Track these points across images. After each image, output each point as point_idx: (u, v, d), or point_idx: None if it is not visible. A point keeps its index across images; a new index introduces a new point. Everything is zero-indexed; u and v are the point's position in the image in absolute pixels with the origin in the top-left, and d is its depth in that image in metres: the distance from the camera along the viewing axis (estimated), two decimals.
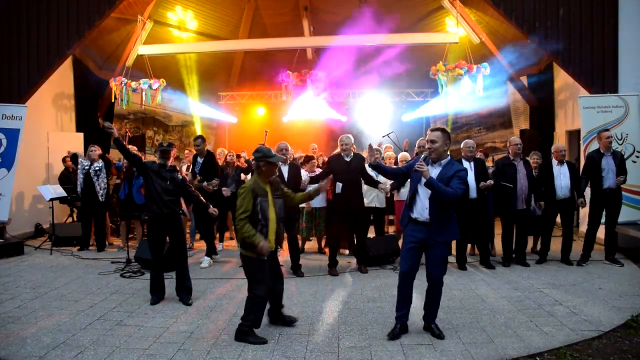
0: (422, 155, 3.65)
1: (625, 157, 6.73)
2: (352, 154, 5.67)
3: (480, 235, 6.03)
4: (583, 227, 6.94)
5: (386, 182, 5.88)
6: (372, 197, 6.39)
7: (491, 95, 10.42)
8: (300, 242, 6.71)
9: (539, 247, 6.43)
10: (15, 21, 7.69)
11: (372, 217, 6.59)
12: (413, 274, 3.73)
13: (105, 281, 5.46)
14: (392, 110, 11.51)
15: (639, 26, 6.97)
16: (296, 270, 5.68)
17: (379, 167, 4.02)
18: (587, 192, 6.18)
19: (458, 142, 12.02)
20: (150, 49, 9.18)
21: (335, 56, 10.23)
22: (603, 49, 7.07)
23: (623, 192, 6.36)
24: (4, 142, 7.28)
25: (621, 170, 5.95)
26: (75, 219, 8.59)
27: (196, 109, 11.55)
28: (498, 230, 6.49)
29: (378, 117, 11.23)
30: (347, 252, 6.70)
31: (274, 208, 3.75)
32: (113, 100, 9.25)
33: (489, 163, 7.60)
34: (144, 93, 9.12)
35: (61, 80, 9.25)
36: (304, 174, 6.39)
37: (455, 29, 8.85)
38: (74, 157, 7.66)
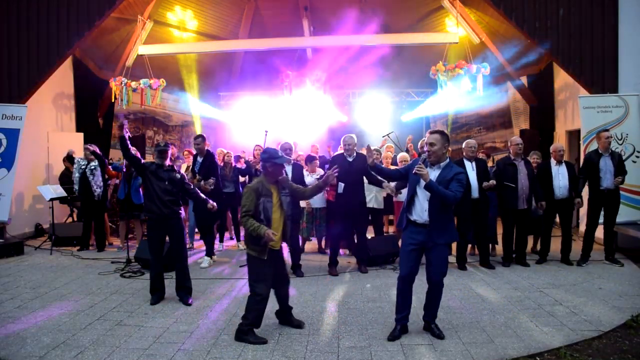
0: (421, 158, 3.65)
1: (625, 157, 6.73)
2: (354, 154, 5.67)
3: (481, 235, 6.03)
4: (583, 227, 6.94)
5: (390, 182, 5.88)
6: (370, 198, 6.38)
7: (491, 95, 10.43)
8: (300, 242, 6.71)
9: (538, 247, 6.43)
10: (16, 21, 7.69)
11: (370, 218, 6.59)
12: (413, 277, 3.73)
13: (105, 281, 5.46)
14: (392, 110, 11.51)
15: (639, 26, 6.97)
16: (296, 270, 5.68)
17: (377, 169, 4.02)
18: (586, 192, 6.19)
19: (458, 142, 12.06)
20: (150, 49, 9.18)
21: (335, 56, 10.25)
22: (603, 49, 7.07)
23: (623, 192, 6.36)
24: (4, 142, 7.29)
25: (619, 171, 5.95)
26: (75, 219, 8.60)
27: (196, 109, 11.56)
28: (499, 230, 6.49)
29: (378, 117, 11.23)
30: (347, 251, 6.71)
31: (280, 208, 3.78)
32: (113, 100, 9.25)
33: (490, 163, 7.59)
34: (144, 93, 9.12)
35: (61, 80, 9.25)
36: (306, 174, 6.40)
37: (455, 29, 8.85)
38: (69, 157, 7.64)
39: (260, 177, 3.81)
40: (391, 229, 7.91)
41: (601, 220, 6.10)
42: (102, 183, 7.20)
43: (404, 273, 3.71)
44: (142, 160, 4.87)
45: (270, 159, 3.75)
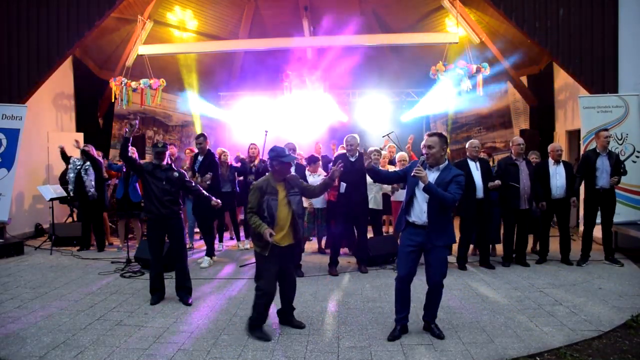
0: (420, 160, 3.65)
1: (625, 157, 6.74)
2: (357, 154, 5.67)
3: (486, 236, 6.03)
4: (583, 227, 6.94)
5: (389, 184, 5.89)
6: (369, 198, 6.37)
7: (491, 95, 10.43)
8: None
9: (538, 247, 6.43)
10: (16, 21, 7.69)
11: (369, 218, 6.59)
12: (411, 278, 3.73)
13: (105, 281, 5.46)
14: (393, 110, 11.51)
15: (639, 26, 6.97)
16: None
17: (373, 172, 4.04)
18: (582, 191, 6.19)
19: (458, 142, 12.08)
20: (150, 49, 9.17)
21: (335, 56, 10.25)
22: (603, 49, 7.07)
23: (623, 193, 6.37)
24: (4, 142, 7.29)
25: (616, 171, 5.95)
26: (75, 219, 8.60)
27: (196, 109, 11.55)
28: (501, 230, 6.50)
29: (379, 117, 11.23)
30: (347, 250, 6.71)
31: (286, 207, 3.78)
32: (113, 100, 9.25)
33: (490, 163, 7.58)
34: (144, 93, 9.12)
35: (61, 80, 9.26)
36: (308, 175, 6.41)
37: (455, 29, 8.85)
38: (63, 155, 7.61)
39: (267, 175, 3.84)
40: (390, 229, 7.90)
41: (599, 220, 6.10)
42: (94, 183, 7.17)
43: (402, 274, 3.71)
44: (138, 161, 4.86)
45: (277, 157, 3.77)
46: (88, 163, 7.16)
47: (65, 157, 7.59)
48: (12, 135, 7.30)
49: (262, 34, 10.70)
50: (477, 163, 5.90)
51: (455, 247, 6.10)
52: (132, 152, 7.31)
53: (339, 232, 5.91)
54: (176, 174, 4.71)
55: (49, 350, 3.50)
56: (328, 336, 3.77)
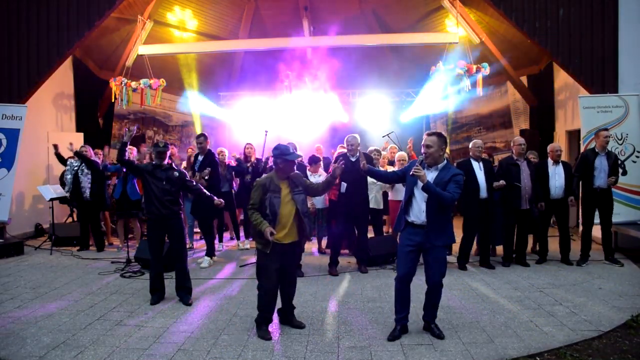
0: (418, 160, 3.65)
1: (625, 157, 6.75)
2: (357, 154, 5.68)
3: (489, 236, 6.03)
4: None
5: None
6: (370, 198, 6.37)
7: (491, 95, 10.43)
8: None
9: (538, 247, 6.43)
10: (16, 21, 7.69)
11: (369, 218, 6.59)
12: (410, 277, 3.73)
13: (105, 281, 5.46)
14: (393, 110, 11.51)
15: (639, 26, 6.97)
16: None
17: (370, 173, 4.03)
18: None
19: (458, 142, 12.08)
20: (150, 49, 9.18)
21: (335, 56, 10.25)
22: (603, 49, 7.08)
23: (623, 193, 6.37)
24: (4, 142, 7.29)
25: (614, 171, 5.96)
26: (75, 219, 8.60)
27: (196, 109, 11.55)
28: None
29: (379, 116, 11.23)
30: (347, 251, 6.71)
31: (289, 205, 3.78)
32: (113, 100, 9.25)
33: None
34: (144, 93, 9.12)
35: (61, 80, 9.26)
36: (309, 175, 6.40)
37: (455, 29, 8.85)
38: (59, 156, 7.57)
39: (271, 173, 3.86)
40: (390, 230, 7.90)
41: (598, 220, 6.10)
42: (91, 184, 7.16)
43: (401, 274, 3.72)
44: (136, 163, 4.86)
45: (282, 155, 3.77)
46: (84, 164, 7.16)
47: (61, 159, 7.55)
48: (12, 135, 7.31)
49: (262, 34, 10.71)
50: (481, 163, 5.90)
51: (455, 247, 6.11)
52: (130, 151, 7.33)
53: (339, 232, 5.91)
54: (176, 173, 4.70)
55: (49, 350, 3.50)
56: (328, 336, 3.77)
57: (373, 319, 4.15)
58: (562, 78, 8.91)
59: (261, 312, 3.79)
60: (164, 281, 4.77)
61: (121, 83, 8.93)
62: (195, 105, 11.30)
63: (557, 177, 6.05)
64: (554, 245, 6.41)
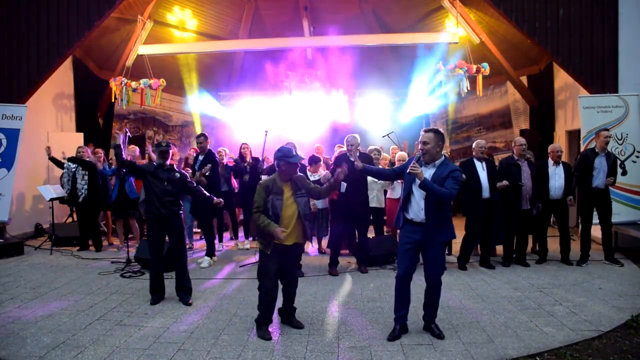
0: (415, 157, 3.64)
1: (625, 157, 6.75)
2: (357, 153, 5.68)
3: (491, 235, 6.03)
4: None
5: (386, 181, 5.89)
6: (372, 197, 6.38)
7: (491, 95, 10.42)
8: None
9: (537, 247, 6.43)
10: (16, 21, 7.69)
11: (371, 217, 6.59)
12: (410, 275, 3.74)
13: (105, 281, 5.46)
14: (393, 110, 11.50)
15: (639, 26, 6.97)
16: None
17: (367, 172, 4.02)
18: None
19: (458, 142, 12.07)
20: (150, 49, 9.17)
21: (335, 56, 10.24)
22: (603, 49, 7.07)
23: (623, 193, 6.37)
24: (4, 142, 7.29)
25: (612, 171, 5.96)
26: (75, 219, 8.59)
27: (196, 109, 11.55)
28: None
29: (379, 116, 11.22)
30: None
31: (292, 206, 3.79)
32: (113, 100, 9.25)
33: None
34: (144, 93, 9.12)
35: (61, 80, 9.25)
36: (309, 174, 6.40)
37: (455, 29, 8.85)
38: (53, 160, 7.53)
39: (274, 175, 3.86)
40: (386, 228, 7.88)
41: (597, 220, 6.10)
42: (88, 185, 7.14)
43: (401, 271, 3.72)
44: (138, 163, 4.86)
45: (284, 158, 3.79)
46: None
47: (57, 162, 7.50)
48: (12, 135, 7.31)
49: (262, 34, 10.70)
50: (483, 163, 5.90)
51: (456, 246, 6.10)
52: (134, 150, 7.33)
53: (340, 232, 5.91)
54: (177, 174, 4.72)
55: (49, 350, 3.50)
56: (328, 336, 3.77)
57: (373, 319, 4.15)
58: (562, 78, 8.91)
59: (261, 312, 3.80)
60: (164, 281, 4.77)
61: (121, 83, 8.93)
62: (195, 105, 11.29)
63: (557, 178, 6.05)
64: (554, 245, 6.42)
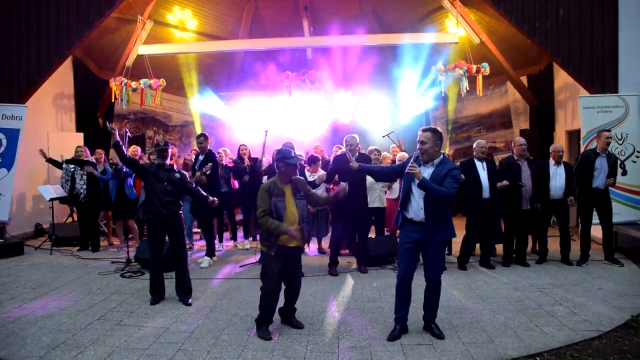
0: (413, 156, 3.64)
1: (625, 157, 6.75)
2: (357, 154, 5.68)
3: (491, 235, 6.03)
4: None
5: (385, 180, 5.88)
6: (374, 197, 6.38)
7: (491, 95, 10.41)
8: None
9: (537, 247, 6.43)
10: (16, 21, 7.69)
11: (373, 218, 6.59)
12: (411, 275, 3.74)
13: (105, 281, 5.46)
14: (393, 109, 11.49)
15: (639, 26, 6.97)
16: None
17: (365, 171, 4.03)
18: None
19: (458, 142, 12.07)
20: (150, 49, 9.17)
21: (335, 56, 10.24)
22: (603, 49, 7.07)
23: (623, 193, 6.37)
24: (4, 142, 7.29)
25: (612, 172, 5.97)
26: (75, 219, 8.59)
27: (196, 109, 11.55)
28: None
29: (379, 117, 11.22)
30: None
31: (293, 208, 3.80)
32: (113, 100, 9.25)
33: None
34: (144, 93, 9.11)
35: (61, 80, 9.25)
36: (307, 174, 6.40)
37: (455, 29, 8.85)
38: (50, 161, 7.52)
39: (274, 177, 3.87)
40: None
41: (596, 220, 6.10)
42: (85, 185, 7.13)
43: (401, 272, 3.72)
44: (140, 162, 4.87)
45: (283, 159, 3.79)
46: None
47: (55, 163, 7.49)
48: (12, 135, 7.31)
49: (262, 34, 10.70)
50: (484, 163, 5.90)
51: (456, 246, 6.10)
52: (135, 150, 7.33)
53: (339, 232, 5.91)
54: (177, 175, 4.72)
55: (49, 350, 3.50)
56: (328, 336, 3.77)
57: (373, 319, 4.15)
58: (562, 78, 8.91)
59: (262, 312, 3.80)
60: (164, 281, 4.77)
61: (121, 83, 8.92)
62: (194, 105, 11.29)
63: (557, 178, 6.05)
64: (554, 245, 6.41)
